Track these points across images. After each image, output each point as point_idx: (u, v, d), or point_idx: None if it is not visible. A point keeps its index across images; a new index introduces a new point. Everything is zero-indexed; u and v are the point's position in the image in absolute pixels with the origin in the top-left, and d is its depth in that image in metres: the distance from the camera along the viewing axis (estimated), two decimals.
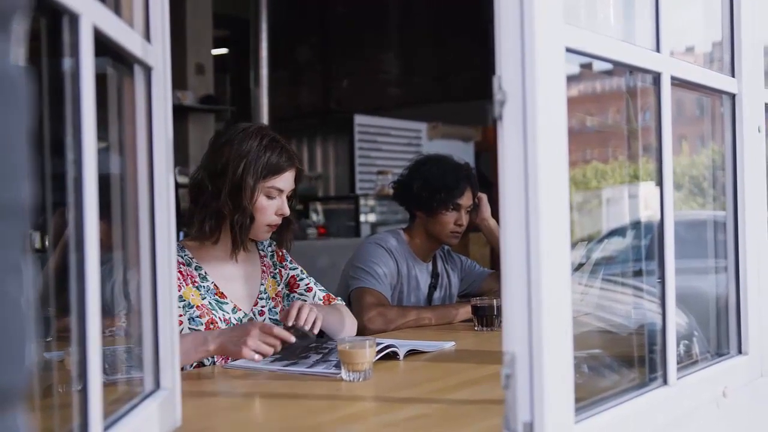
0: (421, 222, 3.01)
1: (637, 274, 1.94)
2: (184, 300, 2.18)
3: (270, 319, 2.37)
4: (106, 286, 1.15)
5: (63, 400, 1.36)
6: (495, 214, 3.11)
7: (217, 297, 2.25)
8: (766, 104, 1.89)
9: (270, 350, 1.96)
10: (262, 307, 2.36)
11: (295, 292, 2.45)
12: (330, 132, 8.82)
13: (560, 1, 1.20)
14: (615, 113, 2.06)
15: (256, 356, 1.94)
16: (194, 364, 2.09)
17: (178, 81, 7.37)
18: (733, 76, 1.80)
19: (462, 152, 7.64)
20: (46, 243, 1.40)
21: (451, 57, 9.49)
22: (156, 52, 1.35)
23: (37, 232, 1.33)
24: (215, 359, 2.15)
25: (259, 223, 2.26)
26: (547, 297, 1.14)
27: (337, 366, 1.90)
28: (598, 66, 1.54)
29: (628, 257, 2.23)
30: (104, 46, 1.10)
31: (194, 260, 2.26)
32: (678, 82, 1.57)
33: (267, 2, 8.73)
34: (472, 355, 2.29)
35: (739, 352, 1.80)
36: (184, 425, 1.42)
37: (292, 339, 1.98)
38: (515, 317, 1.15)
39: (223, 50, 10.39)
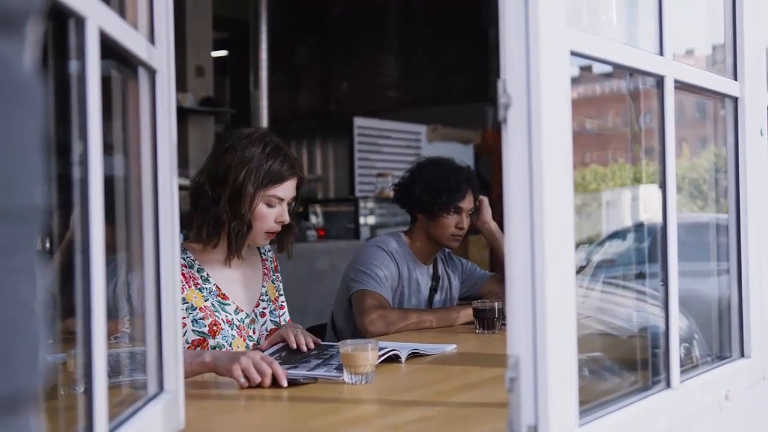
0: (422, 225, 3.01)
1: (638, 276, 1.95)
2: (187, 302, 2.18)
3: (271, 321, 2.37)
4: (109, 288, 1.15)
5: (66, 403, 1.36)
6: (494, 216, 3.11)
7: (219, 298, 2.26)
8: None
9: (257, 379, 1.84)
10: (264, 308, 2.37)
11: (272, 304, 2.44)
12: (329, 134, 8.81)
13: (564, 4, 1.20)
14: (614, 116, 2.06)
15: (242, 379, 1.84)
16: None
17: (178, 83, 7.29)
18: (735, 79, 1.80)
19: (461, 155, 7.64)
20: (47, 245, 1.40)
21: (450, 59, 9.49)
22: (160, 55, 1.35)
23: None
24: None
25: (257, 230, 2.25)
26: (551, 300, 1.14)
27: (338, 369, 1.90)
28: (598, 69, 1.55)
29: (629, 260, 2.24)
30: (109, 48, 1.10)
31: (196, 262, 2.27)
32: (681, 86, 1.57)
33: (267, 4, 8.74)
34: (473, 358, 2.28)
35: (742, 355, 1.80)
36: (188, 428, 1.42)
37: (285, 383, 1.85)
38: (519, 320, 1.15)
39: (223, 52, 10.40)
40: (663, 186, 1.52)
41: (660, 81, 1.51)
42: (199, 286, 2.23)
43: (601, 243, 2.35)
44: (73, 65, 1.00)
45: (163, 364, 1.36)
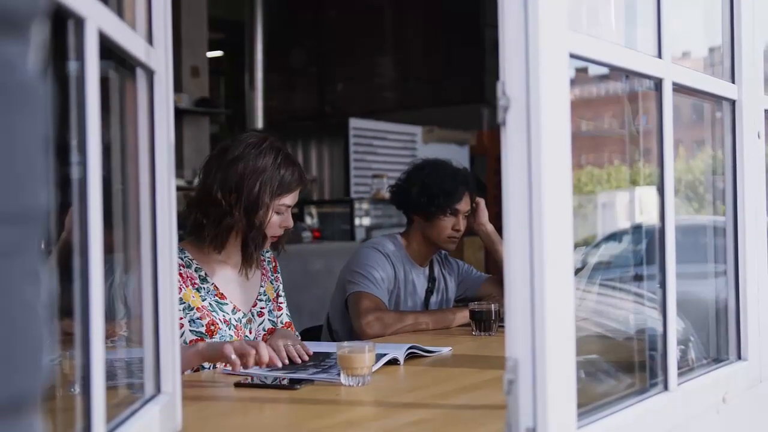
0: (418, 226, 3.01)
1: (635, 279, 1.95)
2: (184, 302, 2.19)
3: (269, 320, 2.38)
4: (106, 290, 1.14)
5: (62, 404, 1.35)
6: (490, 218, 3.11)
7: (217, 298, 2.26)
8: (765, 110, 1.90)
9: (251, 351, 1.89)
10: (261, 308, 2.38)
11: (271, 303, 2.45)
12: (325, 135, 8.81)
13: (564, 7, 1.20)
14: (610, 118, 2.06)
15: (233, 356, 1.87)
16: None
17: (174, 83, 7.34)
18: (733, 82, 1.80)
19: (457, 156, 7.63)
20: (42, 245, 1.39)
21: (445, 61, 9.50)
22: (158, 56, 1.35)
23: None
24: (215, 366, 2.15)
25: (267, 237, 2.29)
26: (550, 302, 1.14)
27: (338, 376, 1.90)
28: (593, 71, 1.55)
29: (625, 262, 2.24)
30: (108, 49, 1.10)
31: (194, 261, 2.27)
32: (679, 88, 1.57)
33: (262, 5, 8.73)
34: (470, 360, 2.28)
35: (739, 357, 1.80)
36: (185, 430, 1.42)
37: (279, 363, 1.97)
38: (518, 323, 1.15)
39: (219, 53, 10.40)
40: (661, 188, 1.52)
41: (658, 84, 1.51)
42: (196, 286, 2.23)
43: (597, 245, 2.35)
44: (72, 66, 1.00)
45: (161, 366, 1.35)
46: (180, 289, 2.18)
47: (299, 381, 1.87)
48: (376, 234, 6.65)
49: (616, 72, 1.60)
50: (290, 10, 10.33)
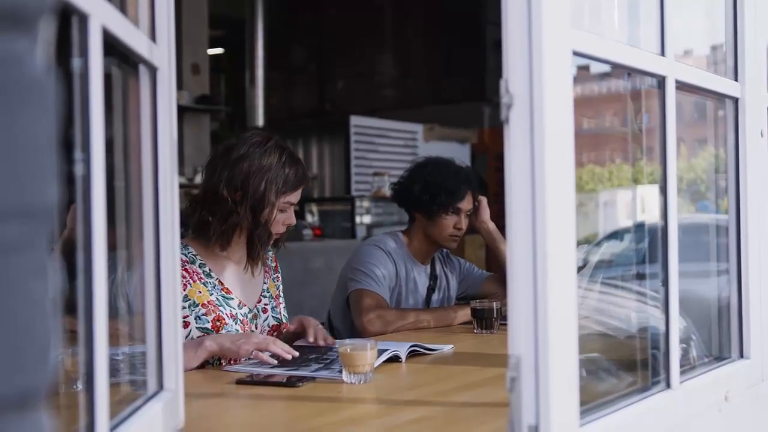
0: (420, 224, 3.01)
1: (637, 277, 1.95)
2: (189, 299, 2.19)
3: (273, 317, 2.39)
4: (108, 287, 1.14)
5: (64, 401, 1.35)
6: (491, 216, 3.11)
7: (223, 293, 2.28)
8: None
9: (269, 342, 2.07)
10: (265, 305, 2.40)
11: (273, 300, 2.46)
12: (325, 133, 8.82)
13: (567, 5, 1.20)
14: (612, 116, 2.06)
15: (260, 354, 2.04)
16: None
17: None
18: (736, 80, 1.80)
19: (458, 154, 7.63)
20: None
21: (447, 58, 9.50)
22: (161, 53, 1.34)
23: None
24: (220, 360, 2.16)
25: (272, 234, 2.32)
26: (552, 299, 1.14)
27: (340, 372, 1.90)
28: (595, 68, 1.55)
29: (627, 261, 2.24)
30: (111, 46, 1.10)
31: (198, 257, 2.28)
32: (682, 86, 1.57)
33: (263, 2, 8.74)
34: (472, 358, 2.28)
35: (741, 356, 1.80)
36: (187, 426, 1.42)
37: (288, 356, 2.06)
38: (521, 320, 1.15)
39: (219, 50, 10.40)
40: (663, 186, 1.52)
41: (661, 81, 1.51)
42: (203, 281, 2.25)
43: (599, 243, 2.34)
44: (76, 62, 1.00)
45: (163, 363, 1.35)
46: (186, 285, 2.20)
47: (301, 378, 1.88)
48: (376, 232, 6.65)
49: (618, 70, 1.60)
50: (291, 8, 10.33)
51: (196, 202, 2.29)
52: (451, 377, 2.01)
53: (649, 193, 1.75)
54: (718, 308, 1.90)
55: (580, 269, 2.14)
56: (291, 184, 2.28)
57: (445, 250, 3.14)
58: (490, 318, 2.63)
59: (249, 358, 2.09)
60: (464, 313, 2.80)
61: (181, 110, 7.40)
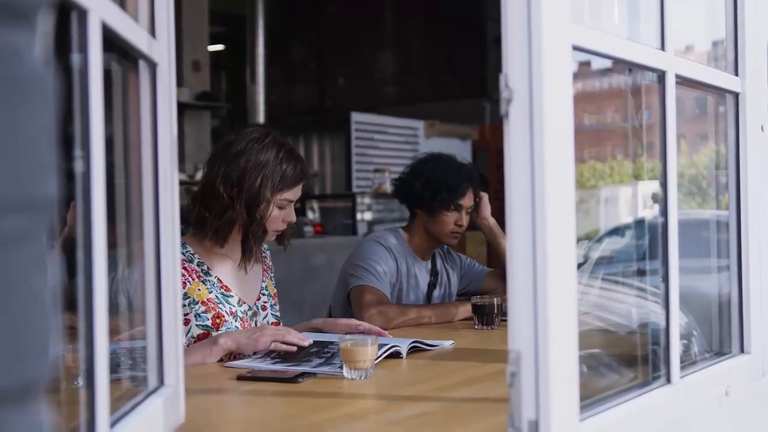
0: (421, 221, 3.01)
1: (638, 273, 1.95)
2: (189, 297, 2.20)
3: (272, 314, 2.40)
4: (108, 284, 1.15)
5: (65, 397, 1.35)
6: (492, 212, 3.11)
7: (222, 290, 2.28)
8: None
9: (287, 334, 2.08)
10: (264, 302, 2.40)
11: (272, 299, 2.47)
12: (326, 129, 8.82)
13: None
14: (613, 112, 2.06)
15: (279, 345, 2.06)
16: None
17: (175, 77, 7.35)
18: (736, 74, 1.80)
19: (459, 151, 7.62)
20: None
21: (447, 55, 9.50)
22: (161, 48, 1.34)
23: None
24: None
25: (267, 231, 2.31)
26: (552, 295, 1.14)
27: (341, 368, 1.90)
28: (597, 64, 1.54)
29: (628, 256, 2.24)
30: (111, 41, 1.10)
31: (196, 256, 2.28)
32: (682, 81, 1.57)
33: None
34: (473, 354, 2.28)
35: (742, 351, 1.80)
36: (188, 422, 1.42)
37: (306, 342, 2.09)
38: (521, 315, 1.15)
39: (220, 47, 10.40)
40: (664, 182, 1.52)
41: (661, 76, 1.51)
42: (202, 279, 2.25)
43: (600, 239, 2.35)
44: (76, 58, 1.00)
45: (164, 358, 1.35)
46: (185, 283, 2.20)
47: (302, 374, 1.88)
48: (378, 228, 6.65)
49: (619, 65, 1.60)
50: (291, 5, 10.33)
51: (196, 198, 2.30)
52: (451, 373, 2.01)
53: (650, 189, 1.75)
54: (719, 303, 1.90)
55: (580, 265, 2.14)
56: (288, 181, 2.27)
57: (445, 246, 3.14)
58: (490, 314, 2.63)
59: (254, 353, 2.09)
60: (465, 309, 2.80)
61: (182, 107, 7.40)
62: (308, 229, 6.65)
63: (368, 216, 7.44)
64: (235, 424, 1.62)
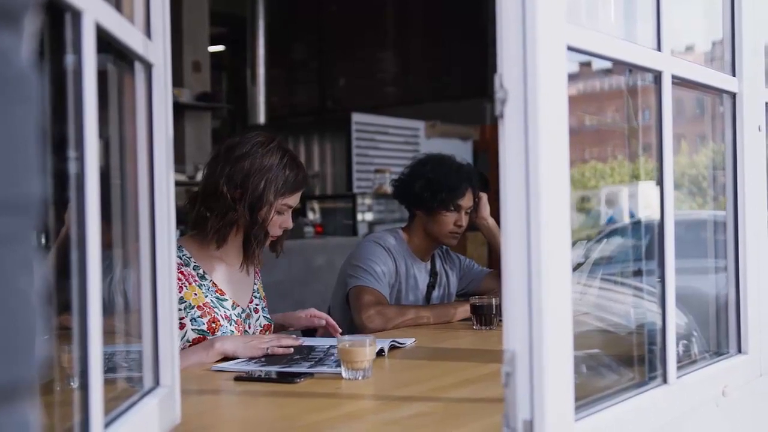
0: (420, 221, 3.01)
1: (637, 273, 1.95)
2: (185, 301, 2.20)
3: (264, 317, 2.43)
4: (104, 284, 1.15)
5: (60, 398, 1.36)
6: (493, 212, 3.11)
7: (217, 294, 2.28)
8: (766, 103, 1.89)
9: (281, 351, 2.13)
10: (256, 305, 2.42)
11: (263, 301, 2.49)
12: (327, 130, 8.82)
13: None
14: (614, 112, 2.06)
15: (276, 349, 2.11)
16: None
17: (175, 78, 7.30)
18: (733, 75, 1.80)
19: (460, 151, 7.64)
20: (43, 240, 1.39)
21: (448, 55, 9.50)
22: (157, 49, 1.35)
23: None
24: None
25: (269, 234, 2.33)
26: (547, 295, 1.14)
27: (338, 365, 1.90)
28: (598, 65, 1.54)
29: (627, 257, 2.24)
30: (105, 42, 1.10)
31: (192, 259, 2.29)
32: (679, 81, 1.57)
33: (264, 0, 8.73)
34: (471, 354, 2.29)
35: (739, 351, 1.80)
36: (184, 422, 1.42)
37: (300, 342, 2.17)
38: (515, 315, 1.15)
39: (220, 47, 10.40)
40: (660, 182, 1.52)
41: (657, 76, 1.51)
42: (197, 283, 2.26)
43: (600, 240, 2.34)
44: (70, 59, 1.00)
45: (159, 359, 1.35)
46: (181, 288, 2.20)
47: (299, 374, 1.88)
48: (378, 229, 6.65)
49: (621, 66, 1.60)
50: (291, 5, 10.33)
51: (196, 198, 2.30)
52: (449, 373, 2.01)
53: (650, 189, 1.75)
54: (717, 304, 1.90)
55: (579, 265, 2.15)
56: (290, 186, 2.29)
57: (445, 246, 3.14)
58: (489, 314, 2.63)
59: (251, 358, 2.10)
60: (463, 310, 2.80)
61: (182, 108, 7.41)
62: (309, 229, 6.66)
63: (369, 216, 7.44)
64: (233, 425, 1.62)
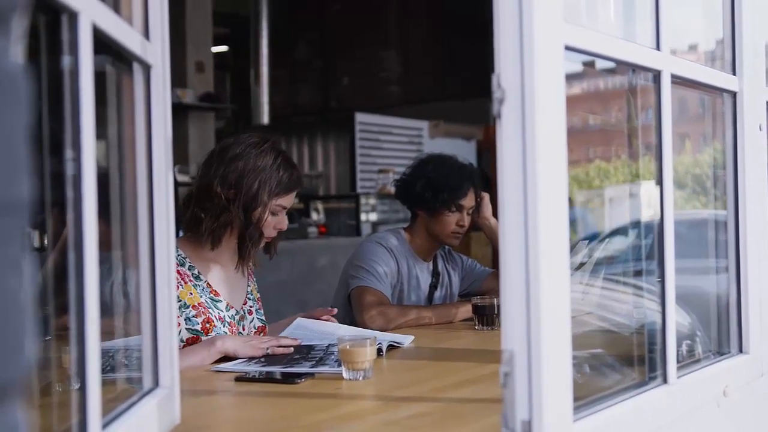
0: (422, 221, 3.01)
1: (639, 273, 1.94)
2: (181, 300, 2.21)
3: (258, 319, 2.44)
4: (104, 285, 1.15)
5: (61, 399, 1.36)
6: (496, 213, 3.11)
7: (212, 295, 2.29)
8: (767, 102, 1.89)
9: (280, 350, 2.14)
10: (250, 307, 2.44)
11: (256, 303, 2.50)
12: (330, 130, 8.81)
13: None
14: (617, 112, 2.06)
15: (276, 349, 2.12)
16: None
17: (178, 79, 7.36)
18: (734, 74, 1.79)
19: (464, 151, 7.63)
20: (45, 242, 1.39)
21: (452, 54, 9.48)
22: (155, 50, 1.35)
23: (35, 230, 1.33)
24: None
25: (264, 234, 2.33)
26: (545, 295, 1.14)
27: (339, 365, 1.90)
28: (600, 64, 1.54)
29: (630, 256, 2.24)
30: (103, 43, 1.10)
31: (187, 260, 2.29)
32: (678, 80, 1.56)
33: (267, 0, 8.72)
34: (472, 354, 2.28)
35: (740, 351, 1.80)
36: (183, 423, 1.42)
37: (299, 342, 2.20)
38: (514, 315, 1.15)
39: (223, 48, 10.40)
40: (660, 181, 1.52)
41: (657, 76, 1.51)
42: (192, 283, 2.26)
43: (603, 239, 2.34)
44: (66, 60, 1.00)
45: (159, 360, 1.35)
46: (177, 287, 2.20)
47: (300, 375, 1.88)
48: (382, 229, 6.64)
49: (623, 66, 1.59)
50: (294, 5, 10.33)
51: (190, 199, 2.31)
52: (449, 373, 2.01)
53: (653, 188, 1.75)
54: (718, 303, 1.90)
55: (582, 265, 2.14)
56: (284, 187, 2.29)
57: (447, 247, 3.14)
58: (490, 314, 2.63)
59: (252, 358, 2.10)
60: (465, 310, 2.80)
61: (186, 108, 7.41)
62: (312, 229, 6.66)
63: (372, 217, 7.43)
64: (233, 425, 1.62)
